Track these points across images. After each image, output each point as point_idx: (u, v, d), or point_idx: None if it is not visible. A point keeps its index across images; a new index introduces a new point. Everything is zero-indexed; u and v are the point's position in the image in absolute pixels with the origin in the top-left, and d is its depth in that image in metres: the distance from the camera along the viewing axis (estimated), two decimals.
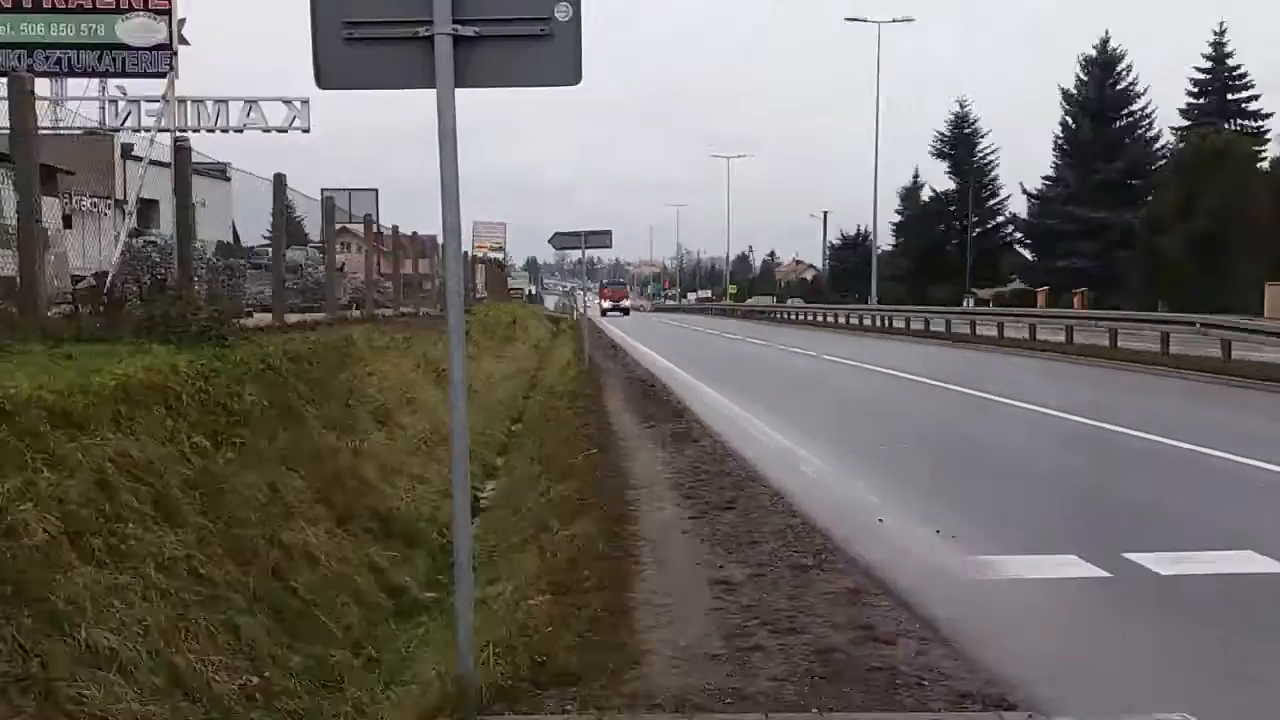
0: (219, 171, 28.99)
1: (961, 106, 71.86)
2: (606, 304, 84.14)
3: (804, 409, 15.67)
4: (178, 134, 16.10)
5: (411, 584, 8.16)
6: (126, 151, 29.96)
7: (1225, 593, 6.08)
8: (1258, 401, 16.11)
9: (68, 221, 21.57)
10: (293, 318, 15.05)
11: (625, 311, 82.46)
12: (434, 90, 4.11)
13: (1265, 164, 52.13)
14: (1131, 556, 6.69)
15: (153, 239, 20.20)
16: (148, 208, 25.07)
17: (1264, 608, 5.80)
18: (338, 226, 22.17)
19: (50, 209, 16.53)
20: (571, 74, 4.20)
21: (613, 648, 5.02)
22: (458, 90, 4.12)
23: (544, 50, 4.17)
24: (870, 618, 5.41)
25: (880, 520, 7.96)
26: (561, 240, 24.03)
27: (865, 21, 49.58)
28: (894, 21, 50.36)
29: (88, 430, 5.86)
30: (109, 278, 12.74)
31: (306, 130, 22.26)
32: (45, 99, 18.70)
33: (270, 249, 17.30)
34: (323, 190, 25.64)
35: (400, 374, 14.74)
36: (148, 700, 4.64)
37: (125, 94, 21.76)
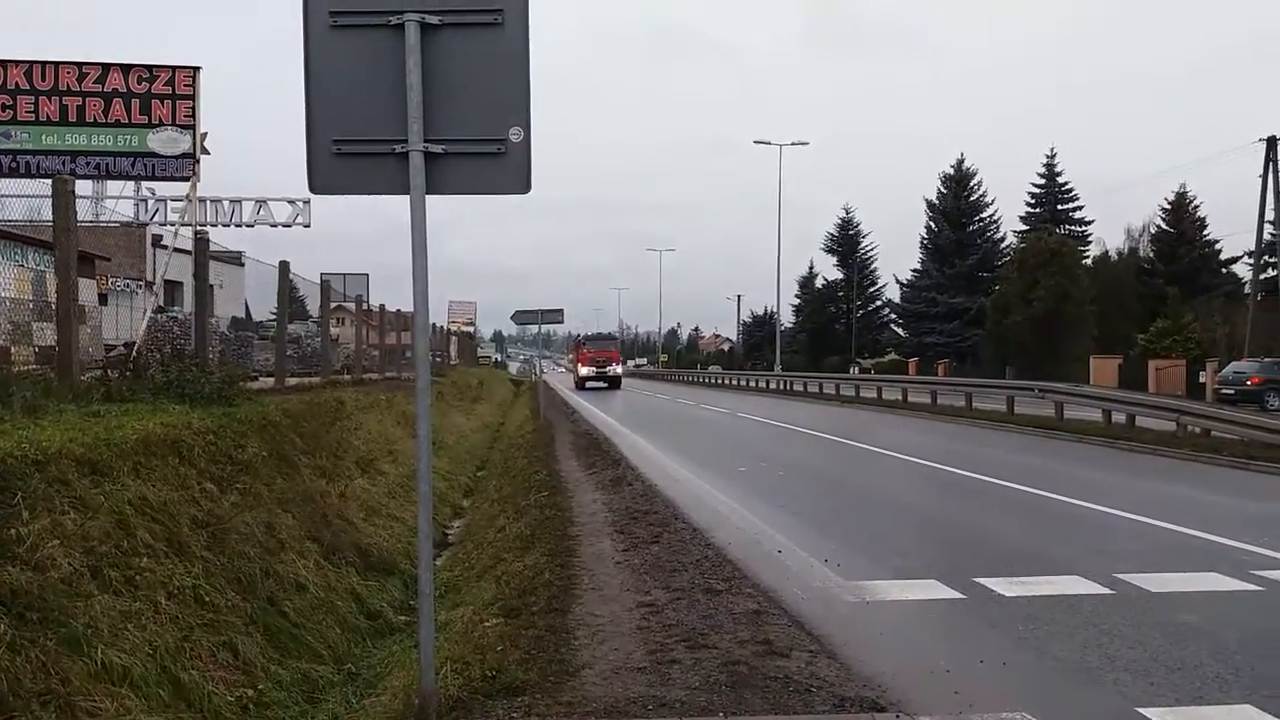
0: (234, 258, 28.60)
1: (847, 213, 73.37)
2: (586, 370, 49.90)
3: (718, 458, 15.67)
4: (198, 228, 15.88)
5: (387, 609, 7.97)
6: (156, 241, 29.48)
7: (1058, 610, 6.12)
8: (1084, 453, 16.44)
9: (103, 299, 21.11)
10: (292, 381, 14.80)
11: (612, 382, 48.95)
12: (408, 196, 4.14)
13: (1088, 260, 53.95)
14: (981, 581, 6.75)
15: (175, 315, 19.83)
16: (172, 288, 24.63)
17: (1091, 622, 5.85)
18: (333, 304, 21.92)
19: (87, 289, 16.18)
20: (522, 185, 4.24)
21: (554, 662, 4.94)
22: (428, 196, 4.15)
23: (500, 165, 4.21)
24: (769, 634, 5.37)
25: (779, 551, 7.96)
26: (521, 317, 24.05)
27: (769, 144, 50.72)
28: (792, 144, 51.46)
29: (111, 477, 5.70)
30: (135, 347, 12.43)
31: (307, 225, 22.14)
32: (87, 197, 18.41)
33: (276, 323, 17.05)
34: (321, 275, 25.32)
35: (382, 428, 14.52)
36: (155, 711, 4.48)
37: (155, 194, 21.49)
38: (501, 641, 5.21)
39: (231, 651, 5.45)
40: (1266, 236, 39.40)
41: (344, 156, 4.09)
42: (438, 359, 37.96)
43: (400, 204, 4.14)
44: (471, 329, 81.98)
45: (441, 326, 52.64)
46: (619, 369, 50.99)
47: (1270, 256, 42.26)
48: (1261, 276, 41.87)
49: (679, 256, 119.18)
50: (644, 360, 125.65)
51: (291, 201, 22.41)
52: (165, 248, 23.64)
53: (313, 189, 4.11)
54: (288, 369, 15.14)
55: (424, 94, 4.04)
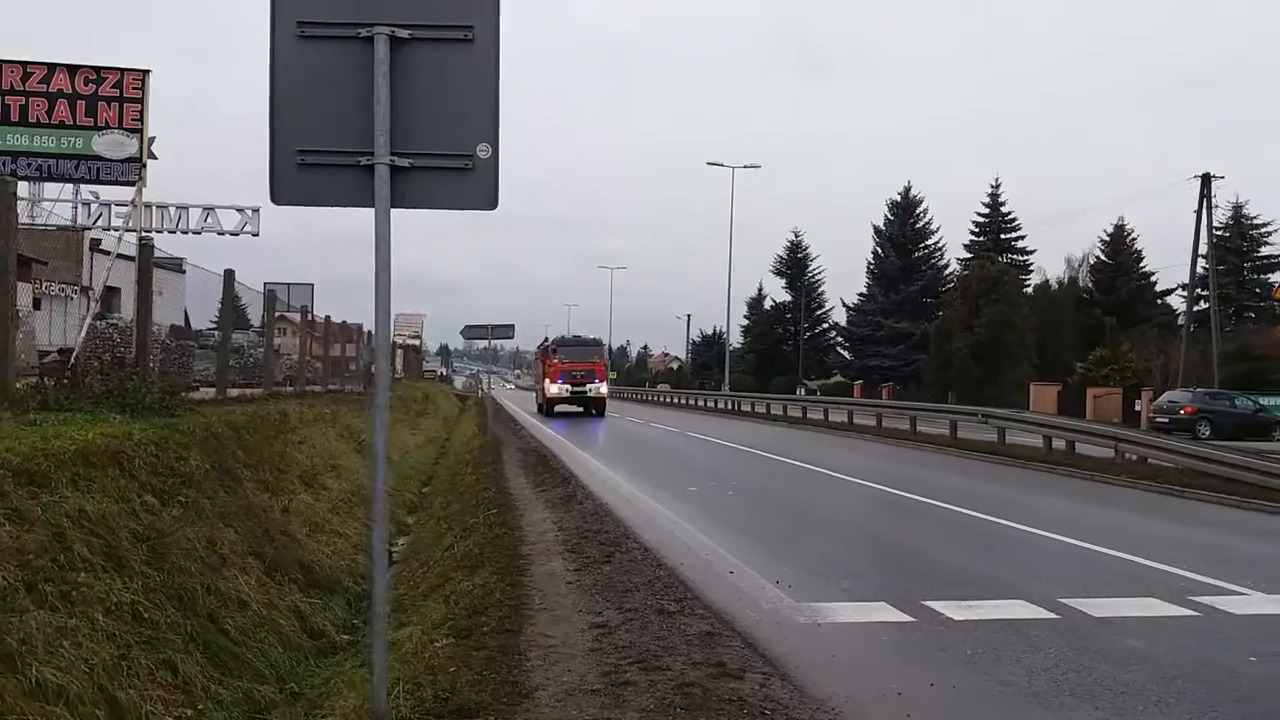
0: (175, 264, 28.01)
1: (796, 236, 74.32)
2: (557, 388, 36.01)
3: (669, 477, 15.67)
4: (143, 234, 15.54)
5: (330, 627, 7.80)
6: (95, 245, 28.76)
7: (1005, 634, 6.20)
8: (1027, 478, 16.77)
9: (37, 304, 20.49)
10: (234, 392, 14.49)
11: (594, 407, 36.12)
12: (373, 209, 4.09)
13: (1029, 289, 55.29)
14: (930, 604, 6.83)
15: (114, 322, 19.32)
16: (111, 294, 24.04)
17: (1037, 647, 5.93)
18: (277, 314, 21.57)
19: (22, 293, 15.72)
20: (489, 201, 4.22)
21: (507, 684, 4.87)
22: (393, 210, 4.11)
23: (467, 181, 4.19)
24: (723, 656, 5.37)
25: (731, 572, 7.97)
26: (471, 332, 23.87)
27: (722, 166, 51.00)
28: (745, 167, 51.87)
29: (48, 489, 5.52)
30: (73, 355, 12.09)
31: (256, 234, 21.78)
32: (24, 199, 17.92)
33: (217, 332, 16.71)
34: (265, 284, 24.99)
35: (326, 442, 14.27)
36: None
37: (98, 197, 20.98)
38: (453, 662, 5.13)
39: (171, 670, 5.29)
40: (1199, 270, 40.71)
41: (308, 167, 4.04)
42: None
43: (350, 215, 4.10)
44: (418, 341, 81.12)
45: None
46: (604, 387, 35.74)
47: (1202, 290, 43.63)
48: (1195, 309, 43.26)
49: (630, 274, 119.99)
50: None
51: (240, 209, 22.06)
52: (107, 253, 23.09)
53: (275, 199, 4.04)
54: (229, 379, 14.83)
55: (392, 107, 4.01)
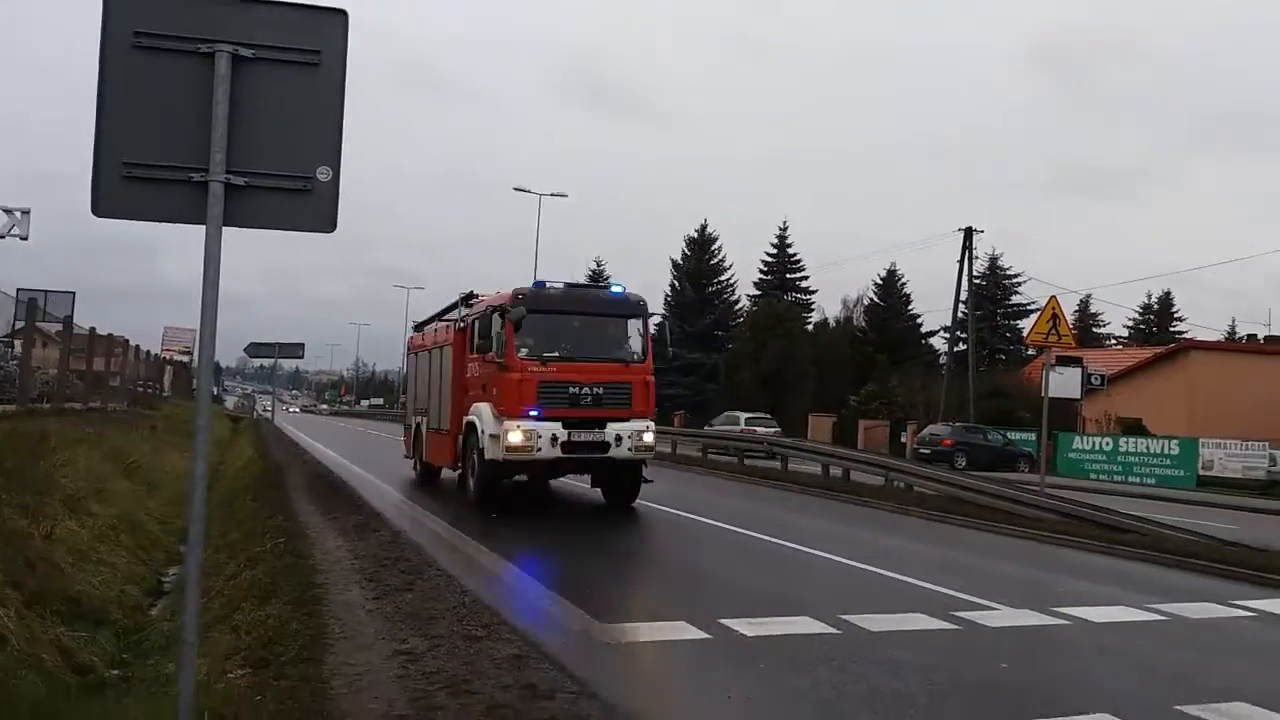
0: None
1: (598, 265, 75.55)
2: (527, 432, 12.83)
3: (464, 503, 15.50)
4: None
5: (98, 663, 7.28)
6: None
7: (794, 648, 6.67)
8: (809, 503, 17.85)
9: None
10: None
11: (619, 482, 14.57)
12: (204, 226, 4.00)
13: (810, 326, 59.05)
14: (725, 622, 7.23)
15: None
16: None
17: (822, 659, 6.41)
18: (27, 324, 19.71)
19: None
20: (327, 224, 4.20)
21: (313, 713, 4.79)
22: (226, 228, 4.03)
23: (305, 203, 4.15)
24: (532, 678, 5.49)
25: (536, 599, 8.10)
26: (256, 350, 22.80)
27: (528, 192, 50.83)
28: (552, 195, 51.91)
29: None
30: None
31: (25, 238, 19.68)
32: None
33: None
34: (18, 290, 22.73)
35: (91, 465, 13.22)
36: None
37: None
38: (255, 692, 4.97)
39: None
40: (960, 314, 44.84)
41: (135, 180, 3.88)
42: (149, 389, 34.91)
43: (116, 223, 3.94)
44: (188, 358, 75.95)
45: (156, 353, 48.41)
46: (647, 430, 14.22)
47: (961, 332, 48.05)
48: (955, 349, 47.60)
49: (428, 295, 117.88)
50: (379, 400, 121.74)
51: (9, 211, 19.87)
52: None
53: (96, 211, 3.85)
54: None
55: (230, 125, 3.94)
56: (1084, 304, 66.29)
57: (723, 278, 66.81)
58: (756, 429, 35.90)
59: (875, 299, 63.65)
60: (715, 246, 66.95)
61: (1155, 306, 68.04)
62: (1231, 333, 64.60)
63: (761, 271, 65.41)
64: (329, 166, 4.12)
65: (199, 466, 4.21)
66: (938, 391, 44.30)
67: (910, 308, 62.97)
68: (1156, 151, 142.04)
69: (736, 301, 66.28)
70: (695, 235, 67.00)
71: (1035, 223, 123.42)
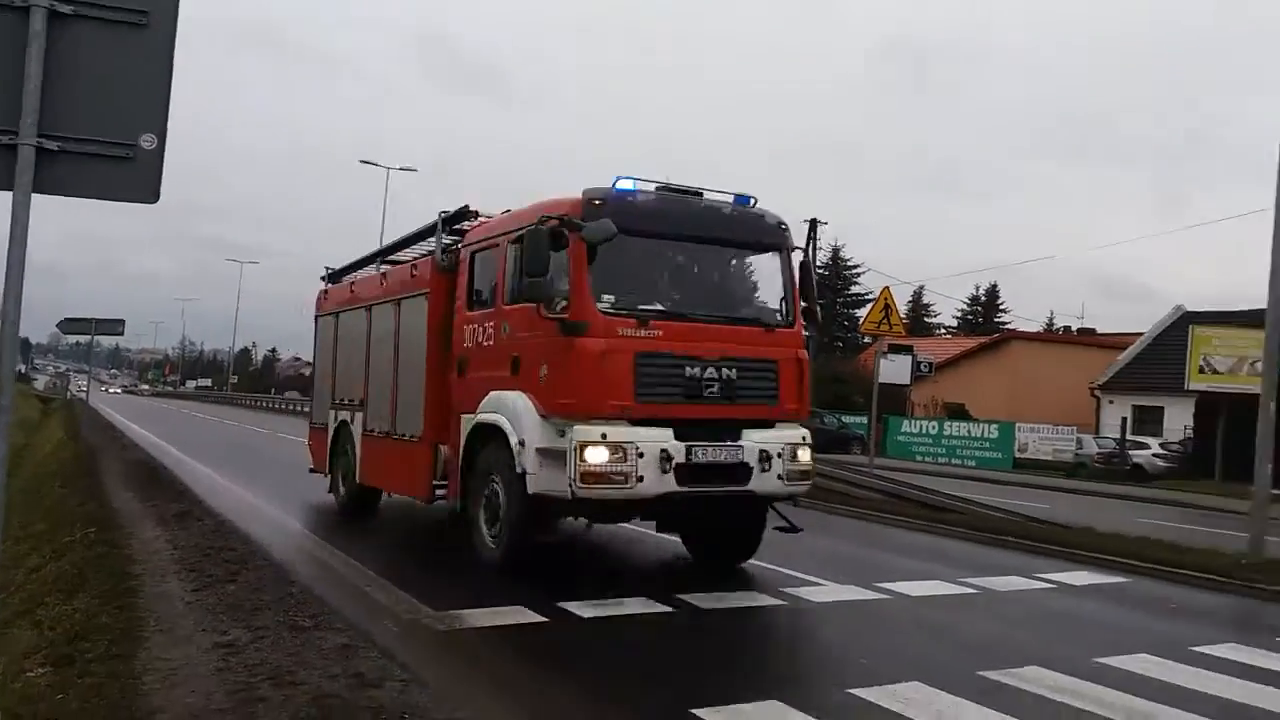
0: None
1: None
2: (610, 456, 7.48)
3: (297, 489, 14.99)
4: None
5: None
6: None
7: (629, 627, 6.86)
8: None
9: None
10: None
11: (739, 538, 9.13)
12: (11, 193, 3.72)
13: None
14: (563, 604, 7.30)
15: None
16: None
17: (657, 637, 6.63)
18: None
19: None
20: (150, 194, 3.98)
21: (119, 709, 4.56)
22: (37, 195, 3.77)
23: (126, 171, 3.92)
24: (361, 667, 5.38)
25: (368, 585, 7.95)
26: (70, 326, 21.25)
27: (376, 165, 49.15)
28: (400, 169, 50.29)
29: None
30: None
31: None
32: None
33: None
34: None
35: None
36: None
37: None
38: (55, 691, 4.69)
39: None
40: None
41: None
42: None
43: None
44: None
45: None
46: (804, 446, 8.53)
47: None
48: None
49: (263, 270, 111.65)
50: (207, 381, 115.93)
51: None
52: None
53: None
54: None
55: (45, 86, 3.69)
56: (918, 295, 69.97)
57: None
58: None
59: None
60: None
61: (983, 299, 72.35)
62: (1050, 324, 69.61)
63: None
64: (154, 134, 3.90)
65: (1, 448, 3.92)
66: None
67: None
68: (997, 152, 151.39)
69: None
70: None
71: (880, 217, 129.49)
